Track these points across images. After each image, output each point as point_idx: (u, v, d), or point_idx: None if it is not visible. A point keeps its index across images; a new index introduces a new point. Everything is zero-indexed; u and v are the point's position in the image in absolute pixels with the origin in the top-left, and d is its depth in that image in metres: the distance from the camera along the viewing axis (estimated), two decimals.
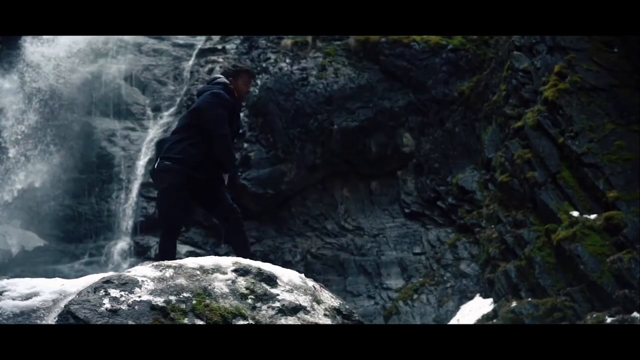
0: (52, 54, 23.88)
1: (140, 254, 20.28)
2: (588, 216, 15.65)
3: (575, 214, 15.90)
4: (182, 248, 20.49)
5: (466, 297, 18.28)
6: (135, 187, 22.03)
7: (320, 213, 21.67)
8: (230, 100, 5.95)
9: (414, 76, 21.86)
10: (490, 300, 17.18)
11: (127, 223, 21.75)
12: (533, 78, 18.60)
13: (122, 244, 21.43)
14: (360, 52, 22.33)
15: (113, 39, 24.48)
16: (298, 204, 21.79)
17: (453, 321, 17.53)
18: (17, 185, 21.81)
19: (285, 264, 20.37)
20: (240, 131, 21.50)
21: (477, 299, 17.94)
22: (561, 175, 16.61)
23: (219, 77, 6.14)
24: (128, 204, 21.96)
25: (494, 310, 16.45)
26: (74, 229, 21.96)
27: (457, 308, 18.06)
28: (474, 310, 17.33)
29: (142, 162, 22.45)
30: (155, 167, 6.04)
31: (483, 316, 16.63)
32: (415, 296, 18.95)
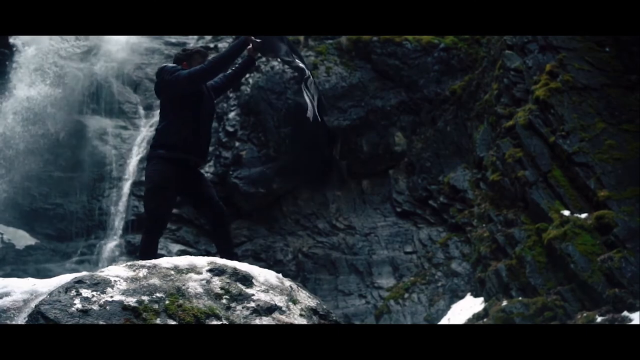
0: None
1: (131, 252, 20.23)
2: (579, 215, 15.66)
3: (566, 213, 15.91)
4: (174, 247, 20.46)
5: (457, 296, 18.27)
6: (127, 186, 22.00)
7: (311, 212, 21.64)
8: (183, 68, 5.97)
9: (406, 75, 21.84)
10: (481, 299, 17.18)
11: (119, 222, 21.71)
12: (525, 77, 18.60)
13: (114, 242, 21.40)
14: (352, 51, 22.30)
15: (105, 37, 24.40)
16: (289, 203, 21.77)
17: (444, 320, 17.53)
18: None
19: (277, 263, 20.41)
20: (232, 130, 21.61)
21: (468, 298, 17.93)
22: (552, 175, 16.61)
23: (165, 65, 6.15)
24: (119, 203, 21.92)
25: (484, 310, 16.45)
26: (65, 228, 21.91)
27: (448, 307, 18.05)
28: (465, 310, 17.32)
29: (133, 161, 22.42)
30: (147, 155, 6.03)
31: (474, 315, 16.63)
32: (406, 295, 18.93)
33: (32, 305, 3.61)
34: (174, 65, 6.08)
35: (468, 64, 21.92)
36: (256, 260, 20.37)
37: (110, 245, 21.33)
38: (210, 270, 4.12)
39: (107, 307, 3.57)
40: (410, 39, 22.00)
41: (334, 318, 4.24)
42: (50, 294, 3.64)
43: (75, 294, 3.61)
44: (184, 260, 4.21)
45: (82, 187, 22.30)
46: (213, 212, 5.96)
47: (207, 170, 21.41)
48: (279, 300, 4.04)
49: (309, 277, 20.24)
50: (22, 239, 21.49)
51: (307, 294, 4.40)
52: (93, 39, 24.50)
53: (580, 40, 17.89)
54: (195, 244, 20.75)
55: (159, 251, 19.06)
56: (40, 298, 3.64)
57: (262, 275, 4.26)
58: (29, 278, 3.98)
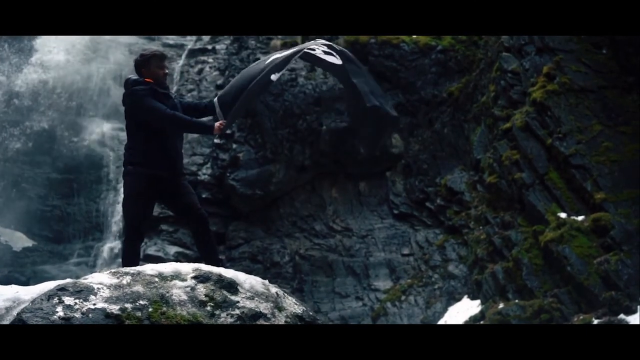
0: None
1: None
2: (575, 217, 15.65)
3: (563, 215, 15.90)
4: (171, 249, 20.42)
5: (454, 298, 18.25)
6: None
7: (308, 214, 21.60)
8: (146, 88, 5.93)
9: (403, 77, 21.81)
10: (478, 301, 17.16)
11: (116, 224, 21.68)
12: (522, 79, 18.58)
13: (111, 244, 21.38)
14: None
15: (103, 38, 24.36)
16: (287, 204, 21.72)
17: (440, 322, 17.51)
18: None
19: (274, 265, 20.39)
20: (229, 131, 21.57)
21: (465, 300, 17.91)
22: (549, 177, 16.60)
23: (128, 78, 6.14)
24: (117, 205, 21.89)
25: (481, 312, 16.44)
26: (62, 230, 21.91)
27: (444, 309, 18.02)
28: (461, 312, 17.31)
29: None
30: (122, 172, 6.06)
31: (470, 318, 16.62)
32: (403, 297, 18.91)
33: (14, 313, 3.58)
34: (136, 79, 6.05)
35: (465, 66, 21.89)
36: (253, 262, 20.34)
37: (108, 247, 21.32)
38: (195, 277, 4.10)
39: (90, 315, 3.55)
40: (408, 40, 21.96)
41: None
42: (33, 301, 3.62)
43: (57, 301, 3.59)
44: (168, 267, 4.18)
45: (80, 189, 22.29)
46: (194, 219, 5.96)
47: (204, 172, 21.39)
48: (265, 307, 4.02)
49: (306, 279, 20.21)
50: (19, 240, 21.48)
51: (294, 300, 4.38)
52: (89, 40, 24.45)
53: (577, 42, 17.87)
54: (192, 246, 20.69)
55: (156, 253, 18.94)
56: (23, 306, 3.62)
57: (248, 281, 4.24)
58: (12, 285, 3.96)
